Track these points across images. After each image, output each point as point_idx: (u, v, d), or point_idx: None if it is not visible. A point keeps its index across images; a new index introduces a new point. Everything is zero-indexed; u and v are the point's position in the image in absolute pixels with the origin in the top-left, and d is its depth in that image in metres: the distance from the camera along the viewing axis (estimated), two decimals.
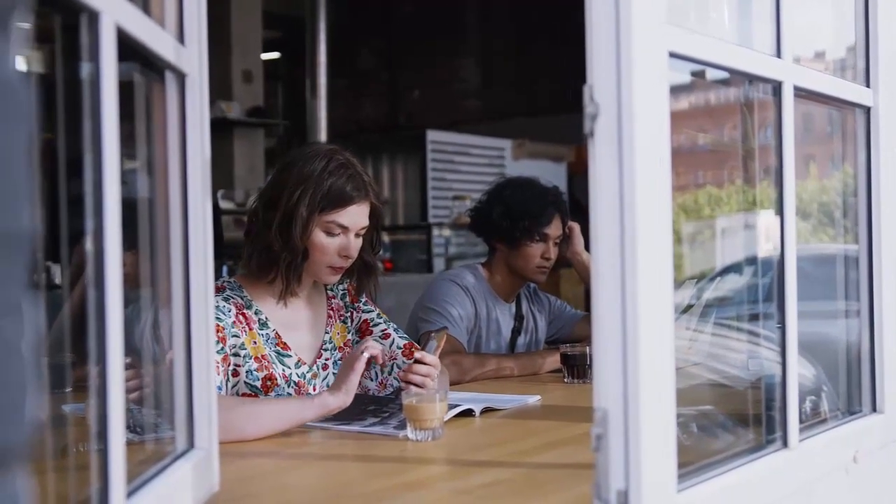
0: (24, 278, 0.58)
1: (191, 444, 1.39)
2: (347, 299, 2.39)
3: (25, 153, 0.57)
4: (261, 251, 2.18)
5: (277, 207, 2.14)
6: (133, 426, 1.34)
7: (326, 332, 2.32)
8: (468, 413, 2.11)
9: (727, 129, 2.06)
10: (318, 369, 2.27)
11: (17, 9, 0.57)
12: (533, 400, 2.35)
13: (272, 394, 2.15)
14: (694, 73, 1.47)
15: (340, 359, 2.31)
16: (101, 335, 1.01)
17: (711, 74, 1.56)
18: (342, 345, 2.35)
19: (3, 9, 0.55)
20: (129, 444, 1.08)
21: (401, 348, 2.32)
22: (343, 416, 2.05)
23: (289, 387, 2.19)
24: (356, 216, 2.18)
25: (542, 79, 9.01)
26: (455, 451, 1.83)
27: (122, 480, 1.04)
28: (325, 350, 2.31)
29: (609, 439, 1.17)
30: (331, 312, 2.35)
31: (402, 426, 1.91)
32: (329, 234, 2.16)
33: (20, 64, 0.57)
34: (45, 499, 1.08)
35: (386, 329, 2.37)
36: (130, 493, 1.10)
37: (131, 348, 1.12)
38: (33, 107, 0.57)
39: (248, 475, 1.66)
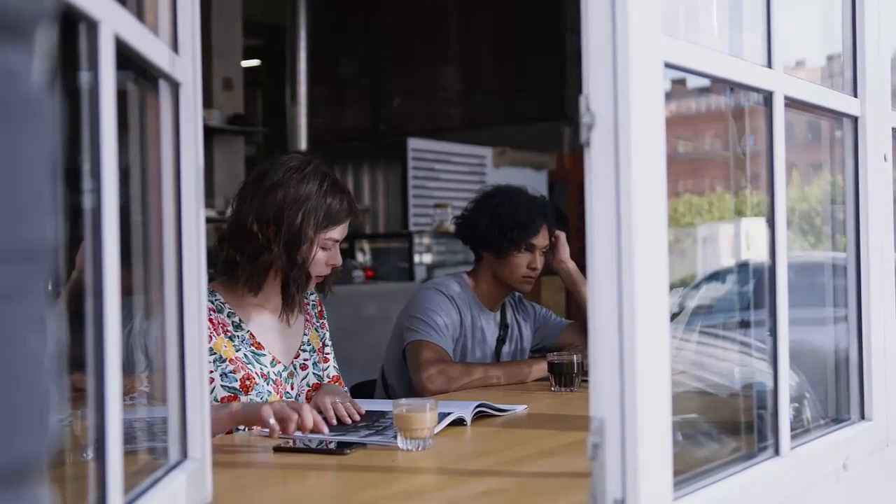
0: (47, 290, 0.58)
1: (184, 455, 1.37)
2: (316, 311, 2.49)
3: (50, 166, 0.57)
4: (262, 269, 2.24)
5: (278, 229, 2.21)
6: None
7: (305, 334, 2.41)
8: (459, 422, 2.10)
9: (707, 138, 2.07)
10: (295, 368, 2.35)
11: (40, 21, 0.57)
12: (521, 409, 2.35)
13: (252, 392, 2.21)
14: (675, 81, 1.48)
15: (317, 361, 2.41)
16: (99, 346, 1.00)
17: (692, 83, 1.57)
18: (318, 349, 2.45)
19: (27, 22, 0.56)
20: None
21: (330, 378, 2.43)
22: (337, 428, 2.05)
23: (268, 384, 2.26)
24: (346, 229, 2.33)
25: (524, 87, 9.04)
26: (446, 460, 1.83)
27: (120, 492, 1.03)
28: (304, 350, 2.40)
29: (606, 448, 1.18)
30: (308, 317, 2.45)
31: (388, 437, 1.91)
32: (324, 249, 2.28)
33: (43, 75, 0.57)
34: None
35: (329, 354, 2.50)
36: None
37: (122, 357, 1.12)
38: (57, 118, 0.57)
39: (241, 485, 1.65)
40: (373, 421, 2.12)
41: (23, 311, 0.56)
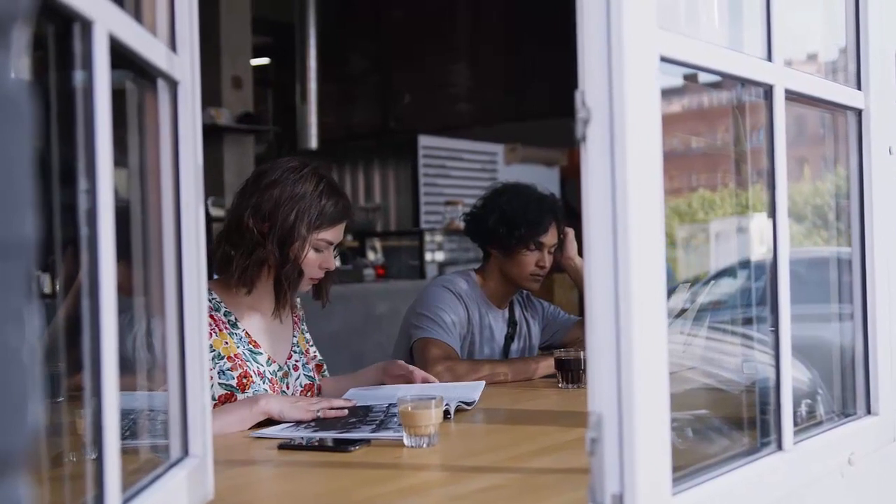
0: (26, 285, 0.59)
1: (185, 452, 1.38)
2: (302, 315, 2.54)
3: (27, 162, 0.57)
4: (255, 265, 2.28)
5: (272, 225, 2.25)
6: (127, 434, 1.34)
7: (294, 336, 2.46)
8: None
9: (720, 133, 2.07)
10: (289, 369, 2.40)
11: (18, 19, 0.58)
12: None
13: (249, 391, 2.25)
14: (686, 77, 1.48)
15: (306, 363, 2.45)
16: (96, 345, 1.01)
17: (703, 78, 1.57)
18: (305, 351, 2.49)
19: (3, 21, 0.56)
20: (122, 451, 1.07)
21: (302, 387, 2.43)
22: (334, 426, 2.04)
23: (263, 383, 2.29)
24: (341, 233, 2.36)
25: (534, 83, 9.02)
26: (450, 456, 1.83)
27: (118, 489, 1.03)
28: (295, 352, 2.44)
29: (604, 443, 1.18)
30: (296, 320, 2.50)
31: (401, 429, 1.91)
32: (317, 250, 2.31)
33: (20, 72, 0.58)
34: None
35: (313, 348, 2.54)
36: (125, 502, 1.10)
37: (124, 358, 1.12)
38: (33, 115, 0.57)
39: (242, 483, 1.66)
40: (364, 416, 2.12)
41: (2, 305, 0.56)
